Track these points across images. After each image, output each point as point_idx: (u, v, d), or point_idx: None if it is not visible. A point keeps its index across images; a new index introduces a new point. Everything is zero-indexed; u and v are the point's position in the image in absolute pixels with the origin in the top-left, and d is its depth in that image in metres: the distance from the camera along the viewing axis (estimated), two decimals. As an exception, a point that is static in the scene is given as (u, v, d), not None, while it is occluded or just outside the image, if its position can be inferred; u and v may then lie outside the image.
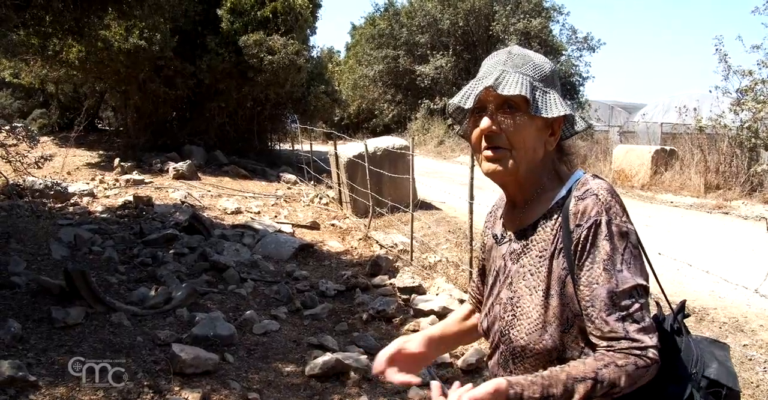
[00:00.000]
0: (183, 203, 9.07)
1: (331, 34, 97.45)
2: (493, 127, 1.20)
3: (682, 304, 1.31)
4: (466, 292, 5.45)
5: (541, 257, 1.21)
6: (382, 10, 30.67)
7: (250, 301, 5.19)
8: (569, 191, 1.22)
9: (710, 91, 11.60)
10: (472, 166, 5.44)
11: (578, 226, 1.14)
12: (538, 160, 1.24)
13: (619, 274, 1.10)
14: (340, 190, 10.31)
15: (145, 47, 12.34)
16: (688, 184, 11.06)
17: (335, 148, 10.17)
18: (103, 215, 7.99)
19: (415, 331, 4.73)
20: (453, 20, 26.32)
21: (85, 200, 8.84)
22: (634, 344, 1.07)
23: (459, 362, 4.06)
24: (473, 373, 3.96)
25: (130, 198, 8.81)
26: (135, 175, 11.15)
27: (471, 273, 5.47)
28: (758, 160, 10.53)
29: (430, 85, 27.08)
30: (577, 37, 27.94)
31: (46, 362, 3.50)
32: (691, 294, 5.16)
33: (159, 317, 4.45)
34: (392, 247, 7.43)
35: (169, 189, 10.34)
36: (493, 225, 1.42)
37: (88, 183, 10.39)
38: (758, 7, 10.45)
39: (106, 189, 10.08)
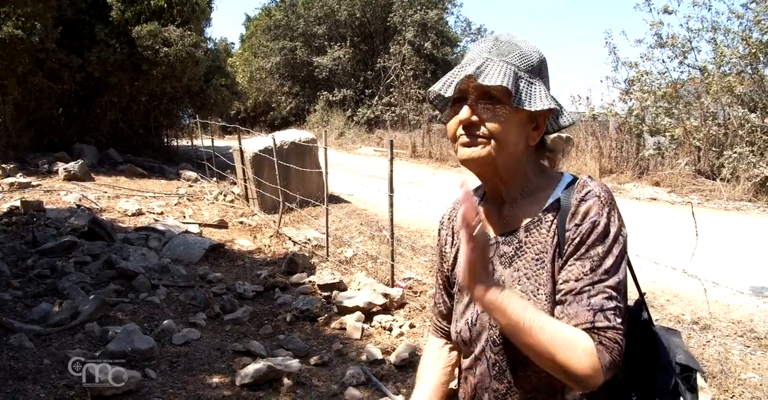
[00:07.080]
0: (78, 206, 8.42)
1: (223, 25, 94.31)
2: (473, 117, 1.14)
3: (642, 298, 1.32)
4: (388, 285, 5.41)
5: (538, 260, 1.16)
6: (278, 0, 30.13)
7: (165, 309, 4.90)
8: (564, 192, 1.17)
9: (601, 81, 12.37)
10: (391, 158, 5.41)
11: (577, 225, 1.11)
12: (519, 155, 1.18)
13: (603, 274, 1.08)
14: (246, 186, 10.00)
15: (23, 37, 11.30)
16: (585, 169, 11.70)
17: (240, 143, 9.83)
18: (-15, 224, 7.26)
19: (342, 329, 4.65)
20: (350, 11, 26.34)
21: (-37, 207, 8.00)
22: (601, 334, 1.05)
23: (392, 358, 4.02)
24: (407, 368, 3.94)
25: (17, 203, 8.03)
26: (19, 178, 10.19)
27: (392, 266, 5.46)
28: (645, 145, 11.33)
29: (328, 76, 27.03)
30: (471, 29, 28.83)
31: (-62, 396, 3.12)
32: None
33: (66, 334, 4.08)
34: (306, 243, 7.31)
35: (60, 192, 9.56)
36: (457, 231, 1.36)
37: (-37, 188, 9.41)
38: (639, 4, 11.25)
39: (-14, 194, 9.17)
